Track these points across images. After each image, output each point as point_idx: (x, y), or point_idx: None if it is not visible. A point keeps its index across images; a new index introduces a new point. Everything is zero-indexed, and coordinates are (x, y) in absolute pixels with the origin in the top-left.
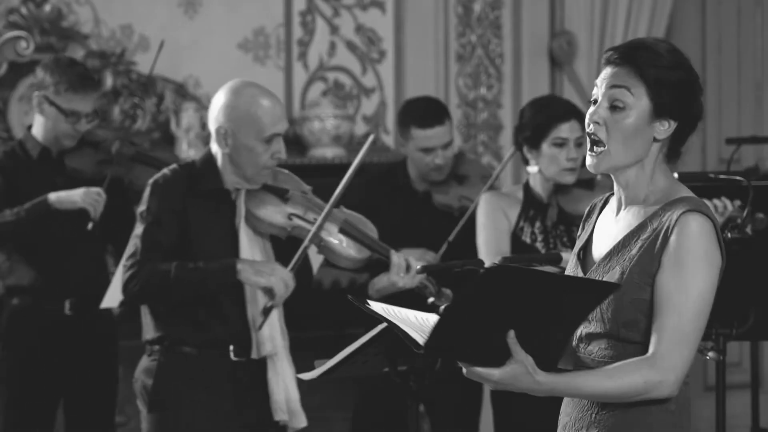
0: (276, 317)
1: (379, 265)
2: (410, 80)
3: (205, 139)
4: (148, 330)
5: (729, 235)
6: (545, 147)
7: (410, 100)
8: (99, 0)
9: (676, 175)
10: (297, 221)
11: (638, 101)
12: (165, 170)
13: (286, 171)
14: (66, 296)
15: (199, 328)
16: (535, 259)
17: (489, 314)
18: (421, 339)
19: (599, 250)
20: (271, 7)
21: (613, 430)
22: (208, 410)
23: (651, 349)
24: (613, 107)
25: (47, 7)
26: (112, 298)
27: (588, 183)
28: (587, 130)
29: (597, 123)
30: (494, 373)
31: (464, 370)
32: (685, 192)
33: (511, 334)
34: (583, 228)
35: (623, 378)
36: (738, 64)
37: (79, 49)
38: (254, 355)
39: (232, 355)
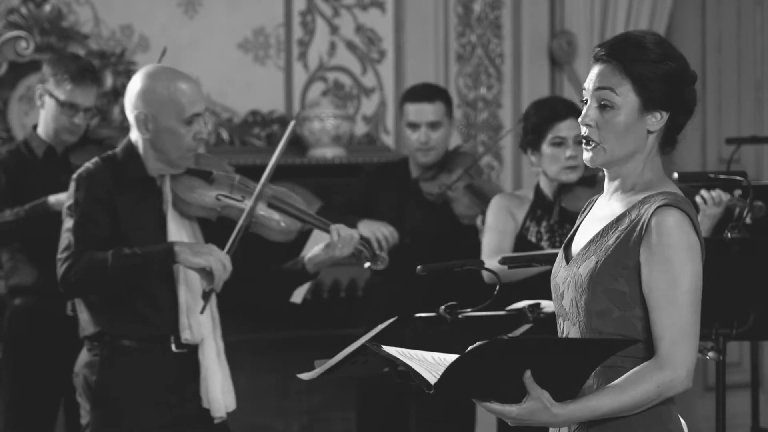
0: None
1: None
2: (410, 80)
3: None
4: (87, 326)
5: (729, 235)
6: (545, 147)
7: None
8: (99, 0)
9: (675, 175)
10: (226, 201)
11: (625, 99)
12: (87, 164)
13: (207, 153)
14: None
15: (137, 320)
16: (534, 258)
17: (500, 364)
18: (432, 379)
19: (584, 240)
20: (271, 7)
21: (594, 423)
22: (152, 403)
23: (656, 352)
24: (602, 107)
25: (47, 7)
26: None
27: (589, 180)
28: (581, 132)
29: (589, 125)
30: (512, 410)
31: (482, 406)
32: (669, 186)
33: (528, 374)
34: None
35: (636, 388)
36: (738, 64)
37: (79, 49)
38: (183, 341)
39: (173, 346)
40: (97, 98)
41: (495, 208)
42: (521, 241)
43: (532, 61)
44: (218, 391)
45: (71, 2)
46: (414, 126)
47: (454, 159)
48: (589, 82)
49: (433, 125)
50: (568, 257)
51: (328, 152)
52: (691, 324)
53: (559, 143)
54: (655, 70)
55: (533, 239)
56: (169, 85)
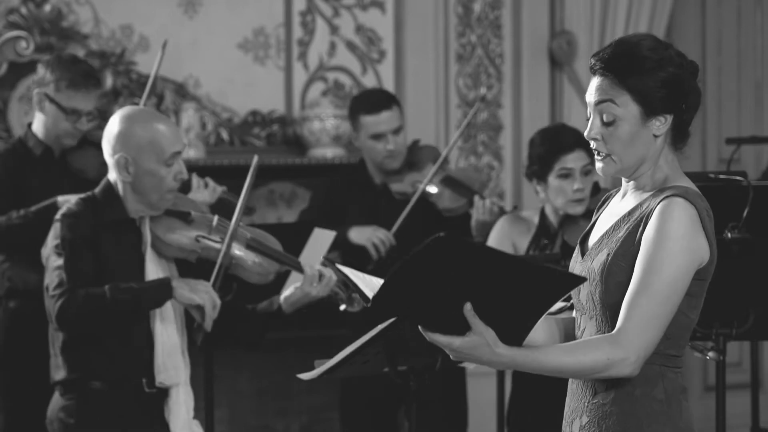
0: (179, 347)
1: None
2: (410, 80)
3: (206, 139)
4: (58, 371)
5: (729, 235)
6: (552, 179)
7: (357, 93)
8: (99, 0)
9: None
10: (205, 242)
11: (626, 110)
12: (69, 205)
13: (181, 194)
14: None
15: (109, 360)
16: (536, 259)
17: (441, 281)
18: (371, 294)
19: (598, 234)
20: (271, 7)
21: (602, 417)
22: None
23: (617, 326)
24: (605, 120)
25: (47, 7)
26: None
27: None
28: (591, 145)
29: (595, 139)
30: (454, 341)
31: (426, 336)
32: (684, 182)
33: (468, 306)
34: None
35: (586, 354)
36: (738, 64)
37: (79, 49)
38: (158, 384)
39: (145, 387)
40: (99, 99)
41: (498, 234)
42: None
43: (532, 61)
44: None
45: (71, 2)
46: (379, 136)
47: (416, 154)
48: (590, 96)
49: (397, 131)
50: (583, 252)
51: (328, 152)
52: (658, 315)
53: (566, 175)
54: (653, 79)
55: None
56: (148, 127)
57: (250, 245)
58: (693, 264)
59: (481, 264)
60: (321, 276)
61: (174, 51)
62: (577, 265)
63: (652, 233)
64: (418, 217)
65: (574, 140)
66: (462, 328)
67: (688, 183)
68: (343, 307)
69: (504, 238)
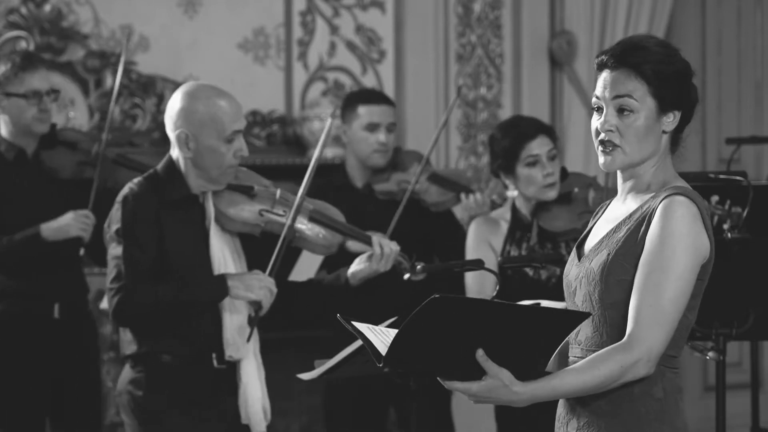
0: (245, 322)
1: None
2: (410, 80)
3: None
4: (129, 345)
5: (729, 235)
6: (520, 169)
7: (355, 90)
8: (99, 0)
9: None
10: (269, 216)
11: (643, 103)
12: (131, 184)
13: (244, 168)
14: (54, 300)
15: (179, 338)
16: (535, 259)
17: (448, 334)
18: (384, 352)
19: (596, 238)
20: (271, 7)
21: (601, 416)
22: (196, 418)
23: (627, 331)
24: (621, 112)
25: (47, 7)
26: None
27: (565, 198)
28: (601, 137)
29: (610, 131)
30: (472, 387)
31: (444, 385)
32: (681, 183)
33: (480, 352)
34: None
35: (599, 368)
36: (738, 64)
37: (79, 49)
38: (227, 358)
39: (215, 362)
40: (52, 79)
41: (472, 239)
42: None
43: (532, 61)
44: (258, 405)
45: (71, 2)
46: (374, 126)
47: (399, 157)
48: (603, 90)
49: (390, 128)
50: (580, 255)
51: (328, 152)
52: (667, 313)
53: (534, 162)
54: (666, 71)
55: None
56: (209, 104)
57: (313, 217)
58: (698, 261)
59: (480, 315)
60: (382, 251)
61: (174, 51)
62: (573, 267)
63: (656, 232)
64: (406, 215)
65: (536, 127)
66: (478, 372)
67: (686, 185)
68: (407, 276)
69: (480, 241)
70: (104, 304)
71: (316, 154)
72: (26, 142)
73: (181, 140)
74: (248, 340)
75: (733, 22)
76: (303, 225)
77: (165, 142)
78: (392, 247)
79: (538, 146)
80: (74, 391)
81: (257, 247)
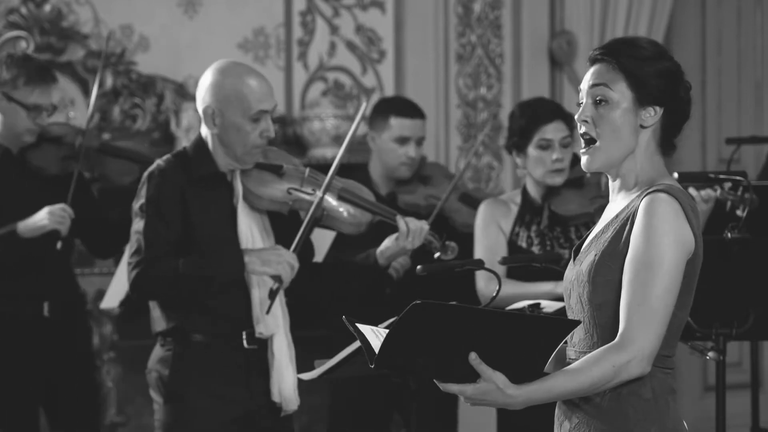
0: (275, 300)
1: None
2: (410, 80)
3: None
4: (159, 322)
5: (729, 235)
6: (531, 150)
7: (388, 97)
8: (99, 0)
9: (676, 175)
10: (297, 194)
11: (620, 94)
12: (159, 161)
13: (274, 147)
14: (44, 299)
15: (209, 316)
16: (534, 259)
17: (437, 339)
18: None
19: (589, 239)
20: (271, 7)
21: (591, 416)
22: (223, 398)
23: (619, 331)
24: (597, 102)
25: (47, 7)
26: (112, 298)
27: (577, 182)
28: (579, 130)
29: (585, 121)
30: (467, 389)
31: (440, 387)
32: (670, 181)
33: (473, 355)
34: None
35: (592, 369)
36: (738, 64)
37: (79, 49)
38: (257, 335)
39: (245, 342)
40: (57, 94)
41: (482, 219)
42: (512, 248)
43: (532, 61)
44: (291, 384)
45: (71, 2)
46: (405, 140)
47: (423, 168)
48: (585, 82)
49: (420, 141)
50: (575, 258)
51: (328, 152)
52: (657, 310)
53: (546, 146)
54: (648, 66)
55: (524, 244)
56: (238, 81)
57: (342, 196)
58: (683, 256)
59: (467, 321)
60: (408, 228)
61: (174, 51)
62: (569, 270)
63: (639, 230)
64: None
65: (553, 111)
66: (474, 374)
67: (674, 183)
68: (437, 255)
69: (490, 222)
70: (104, 303)
71: (351, 132)
72: (12, 142)
73: (208, 115)
74: (267, 312)
75: (733, 22)
76: (333, 202)
77: (165, 142)
78: (420, 225)
79: (553, 131)
80: (72, 391)
81: (286, 224)
